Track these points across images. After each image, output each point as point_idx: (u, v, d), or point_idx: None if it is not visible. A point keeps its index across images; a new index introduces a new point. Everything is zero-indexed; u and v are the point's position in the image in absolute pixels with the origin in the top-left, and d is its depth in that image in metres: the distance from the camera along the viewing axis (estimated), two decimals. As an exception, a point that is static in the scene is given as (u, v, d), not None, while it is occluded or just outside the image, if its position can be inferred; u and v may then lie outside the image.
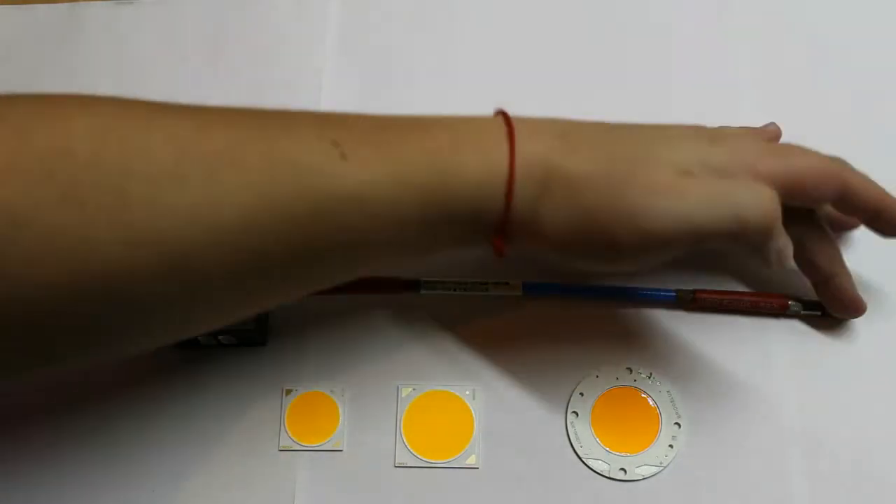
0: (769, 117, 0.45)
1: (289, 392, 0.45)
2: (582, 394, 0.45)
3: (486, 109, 0.38)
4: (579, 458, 0.44)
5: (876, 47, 0.51)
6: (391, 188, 0.35)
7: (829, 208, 0.43)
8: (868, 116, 0.50)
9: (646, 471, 0.43)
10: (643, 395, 0.45)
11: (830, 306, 0.44)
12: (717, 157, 0.37)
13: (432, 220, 0.36)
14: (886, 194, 0.41)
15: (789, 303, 0.45)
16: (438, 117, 0.38)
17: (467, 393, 0.45)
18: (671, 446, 0.44)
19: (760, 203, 0.36)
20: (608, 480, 0.43)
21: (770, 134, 0.43)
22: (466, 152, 0.36)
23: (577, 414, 0.44)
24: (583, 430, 0.44)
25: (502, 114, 0.38)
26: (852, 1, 0.52)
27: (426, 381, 0.45)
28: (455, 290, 0.45)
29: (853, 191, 0.39)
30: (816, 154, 0.40)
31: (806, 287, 0.45)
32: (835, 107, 0.50)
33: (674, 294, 0.45)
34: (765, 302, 0.45)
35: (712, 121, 0.41)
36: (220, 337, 0.45)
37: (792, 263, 0.40)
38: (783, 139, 0.44)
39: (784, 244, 0.38)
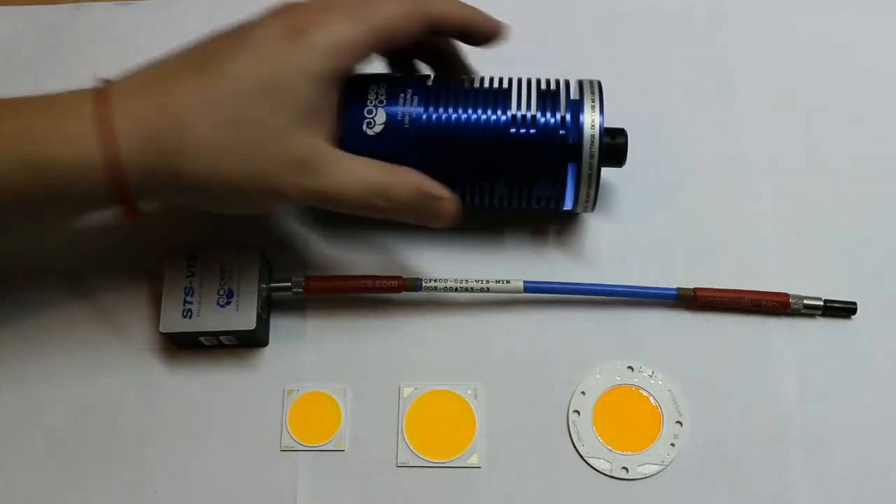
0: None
1: (290, 392, 0.45)
2: (583, 392, 0.45)
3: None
4: (581, 456, 0.44)
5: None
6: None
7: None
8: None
9: (648, 469, 0.43)
10: (645, 394, 0.45)
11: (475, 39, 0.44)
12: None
13: (41, 198, 0.38)
14: (465, 7, 0.43)
15: (790, 301, 0.45)
16: (39, 98, 0.39)
17: (469, 392, 0.45)
18: (673, 445, 0.44)
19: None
20: (610, 479, 0.43)
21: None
22: (53, 139, 0.37)
23: (578, 413, 0.44)
24: (585, 429, 0.44)
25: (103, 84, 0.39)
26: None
27: (428, 380, 0.45)
28: (456, 289, 0.45)
29: (437, 17, 0.42)
30: (389, 1, 0.41)
31: (807, 285, 0.45)
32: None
33: (675, 292, 0.45)
34: (766, 300, 0.45)
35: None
36: (221, 338, 0.45)
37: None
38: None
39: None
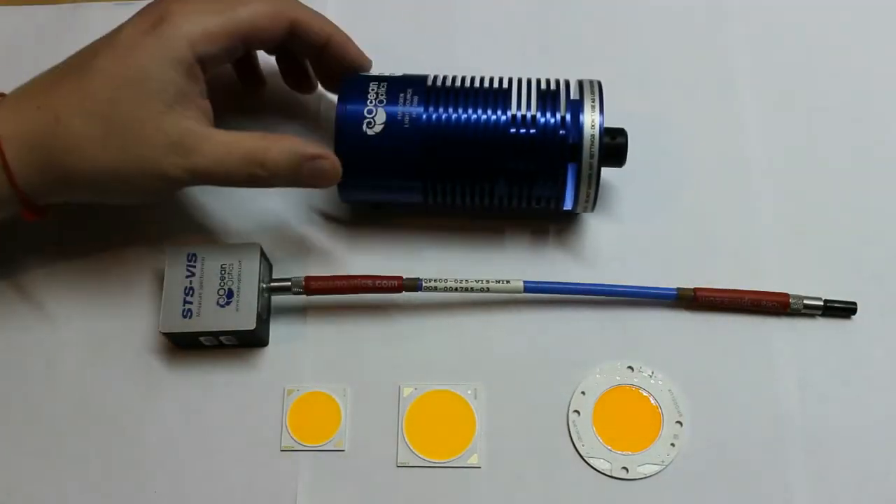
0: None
1: (290, 392, 0.45)
2: (583, 392, 0.45)
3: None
4: (581, 456, 0.44)
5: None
6: None
7: None
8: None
9: (648, 469, 0.43)
10: (645, 394, 0.45)
11: (335, 70, 0.46)
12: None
13: None
14: (333, 25, 0.45)
15: (790, 301, 0.45)
16: None
17: (469, 392, 0.45)
18: (673, 445, 0.44)
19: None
20: (610, 479, 0.43)
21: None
22: None
23: (578, 413, 0.44)
24: (585, 429, 0.44)
25: None
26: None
27: (427, 380, 0.45)
28: (456, 289, 0.45)
29: (303, 24, 0.44)
30: (256, 1, 0.43)
31: (807, 285, 0.45)
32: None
33: (675, 292, 0.45)
34: (766, 300, 0.45)
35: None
36: (221, 338, 0.45)
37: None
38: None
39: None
